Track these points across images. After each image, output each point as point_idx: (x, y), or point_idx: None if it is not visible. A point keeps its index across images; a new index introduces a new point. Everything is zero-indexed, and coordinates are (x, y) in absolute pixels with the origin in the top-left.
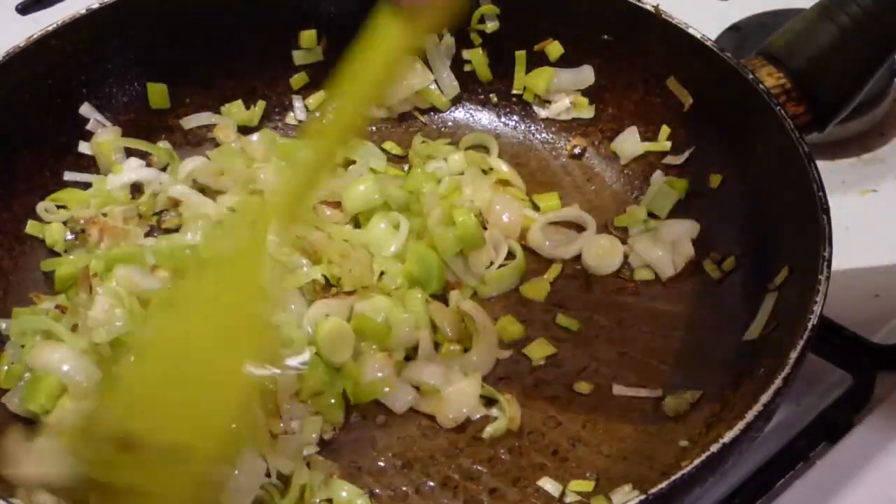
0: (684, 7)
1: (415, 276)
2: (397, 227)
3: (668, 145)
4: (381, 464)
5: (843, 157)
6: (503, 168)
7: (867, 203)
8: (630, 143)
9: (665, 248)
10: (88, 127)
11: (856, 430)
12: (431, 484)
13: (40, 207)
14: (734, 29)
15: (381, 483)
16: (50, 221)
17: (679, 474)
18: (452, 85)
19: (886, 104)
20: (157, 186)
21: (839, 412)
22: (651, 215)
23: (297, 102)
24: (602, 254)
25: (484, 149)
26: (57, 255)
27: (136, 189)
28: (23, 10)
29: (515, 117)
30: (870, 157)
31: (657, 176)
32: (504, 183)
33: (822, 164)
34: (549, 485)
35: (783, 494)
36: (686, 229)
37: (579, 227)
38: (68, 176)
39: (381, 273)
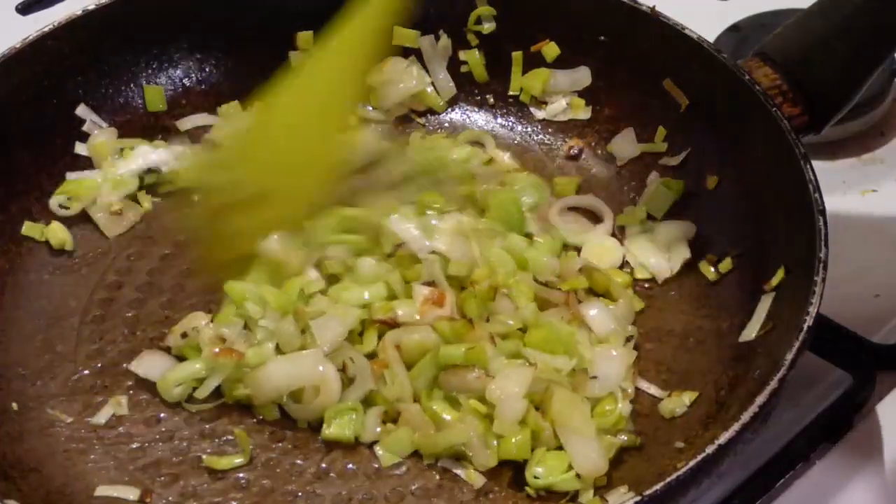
0: (684, 7)
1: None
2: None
3: (664, 146)
4: None
5: (843, 157)
6: (504, 158)
7: (867, 203)
8: (626, 144)
9: (661, 249)
10: (85, 128)
11: (856, 430)
12: (417, 484)
13: (53, 203)
14: (734, 29)
15: None
16: (68, 216)
17: (674, 475)
18: (449, 86)
19: (886, 104)
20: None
21: (839, 412)
22: (648, 216)
23: None
24: (601, 253)
25: (480, 145)
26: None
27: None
28: (23, 10)
29: (512, 118)
30: (870, 157)
31: (653, 177)
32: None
33: (822, 164)
34: None
35: (783, 494)
36: (682, 231)
37: (595, 218)
38: (70, 177)
39: None
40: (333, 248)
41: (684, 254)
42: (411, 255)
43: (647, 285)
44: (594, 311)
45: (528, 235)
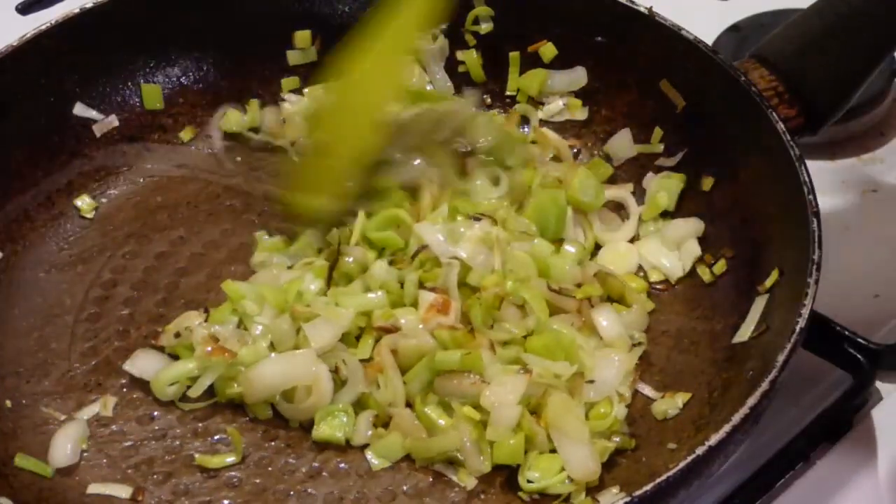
0: (684, 7)
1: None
2: (495, 183)
3: (660, 147)
4: None
5: (843, 157)
6: (552, 136)
7: (867, 203)
8: (623, 144)
9: (672, 249)
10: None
11: (856, 430)
12: (409, 484)
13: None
14: (734, 29)
15: None
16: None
17: (664, 476)
18: (447, 86)
19: (886, 104)
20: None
21: (839, 412)
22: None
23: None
24: (617, 258)
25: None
26: None
27: None
28: (23, 10)
29: None
30: (870, 157)
31: (649, 178)
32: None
33: (821, 164)
34: None
35: (783, 494)
36: (691, 228)
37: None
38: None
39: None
40: (353, 248)
41: (695, 251)
42: (434, 258)
43: (660, 287)
44: (605, 318)
45: (560, 240)
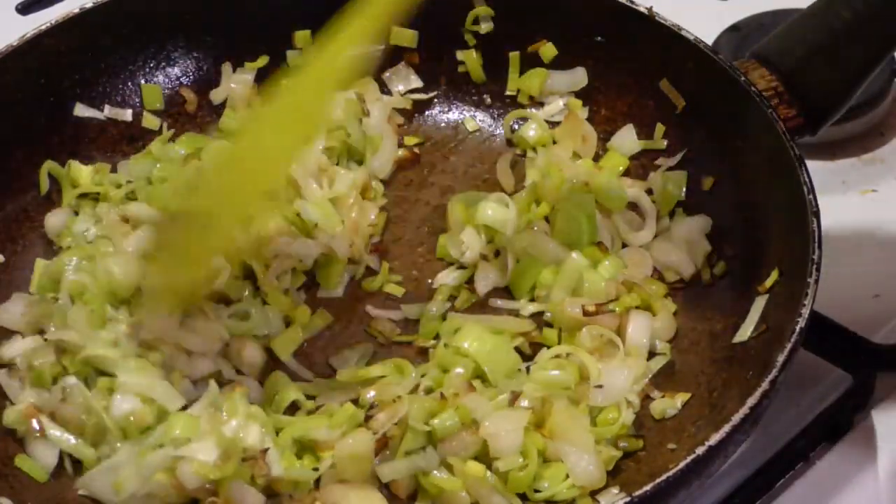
0: (684, 7)
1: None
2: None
3: (663, 143)
4: None
5: (843, 157)
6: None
7: (867, 203)
8: (628, 140)
9: (681, 247)
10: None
11: (856, 430)
12: None
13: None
14: (734, 29)
15: None
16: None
17: (664, 477)
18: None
19: (886, 104)
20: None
21: (839, 412)
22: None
23: None
24: (630, 265)
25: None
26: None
27: None
28: (23, 10)
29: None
30: (870, 157)
31: (651, 177)
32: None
33: (822, 164)
34: None
35: (783, 494)
36: (699, 226)
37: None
38: None
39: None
40: None
41: (705, 247)
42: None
43: (679, 286)
44: (635, 325)
45: (599, 244)
